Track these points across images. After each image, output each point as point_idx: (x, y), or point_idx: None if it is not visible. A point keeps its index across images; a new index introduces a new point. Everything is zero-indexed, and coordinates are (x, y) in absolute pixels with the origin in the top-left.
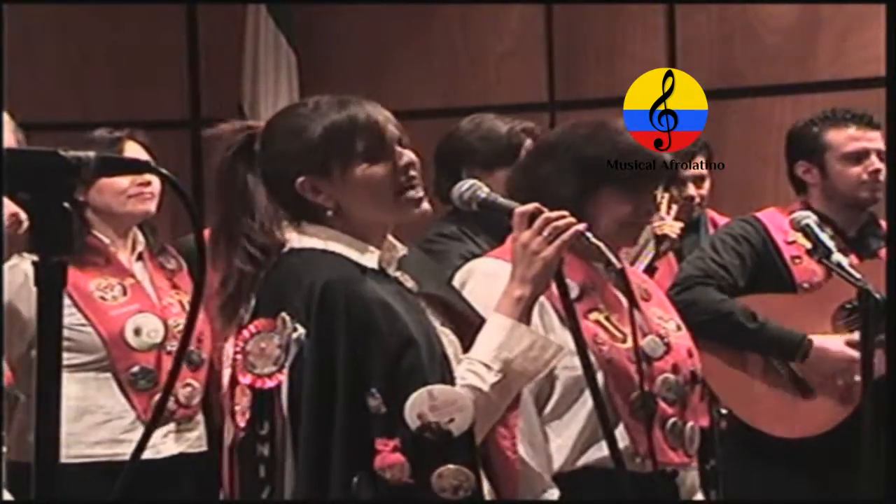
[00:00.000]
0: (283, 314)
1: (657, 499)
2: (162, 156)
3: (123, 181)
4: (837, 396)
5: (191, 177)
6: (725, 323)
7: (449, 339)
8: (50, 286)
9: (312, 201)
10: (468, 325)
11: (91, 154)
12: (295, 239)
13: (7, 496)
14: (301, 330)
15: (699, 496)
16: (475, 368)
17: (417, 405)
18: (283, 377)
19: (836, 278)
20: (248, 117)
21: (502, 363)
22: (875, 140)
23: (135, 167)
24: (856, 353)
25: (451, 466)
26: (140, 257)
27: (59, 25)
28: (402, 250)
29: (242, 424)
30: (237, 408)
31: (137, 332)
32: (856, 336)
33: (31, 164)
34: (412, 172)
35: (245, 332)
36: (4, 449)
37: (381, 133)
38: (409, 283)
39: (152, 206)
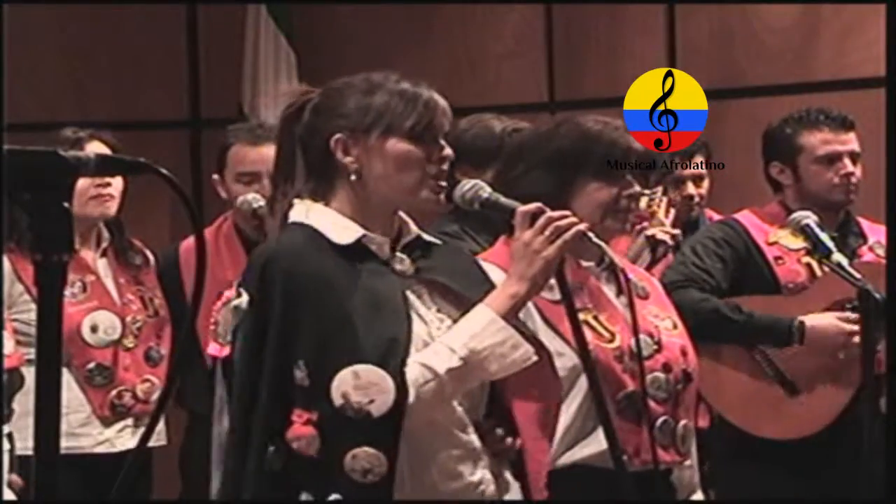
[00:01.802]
0: (239, 284)
1: (651, 497)
2: (162, 156)
3: (83, 182)
4: (825, 397)
5: (191, 177)
6: (712, 320)
7: (446, 325)
8: (50, 286)
9: (340, 161)
10: None
11: (91, 154)
12: (294, 213)
13: (8, 495)
14: (244, 299)
15: (699, 495)
16: (437, 349)
17: (342, 384)
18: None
19: (821, 279)
20: (249, 117)
21: (468, 351)
22: (848, 142)
23: (134, 167)
24: (848, 326)
25: (366, 449)
26: (104, 254)
27: (59, 25)
28: (412, 234)
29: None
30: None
31: (94, 329)
32: (845, 315)
33: (31, 164)
34: (444, 167)
35: (218, 303)
36: (6, 446)
37: (432, 119)
38: (402, 266)
39: (111, 209)
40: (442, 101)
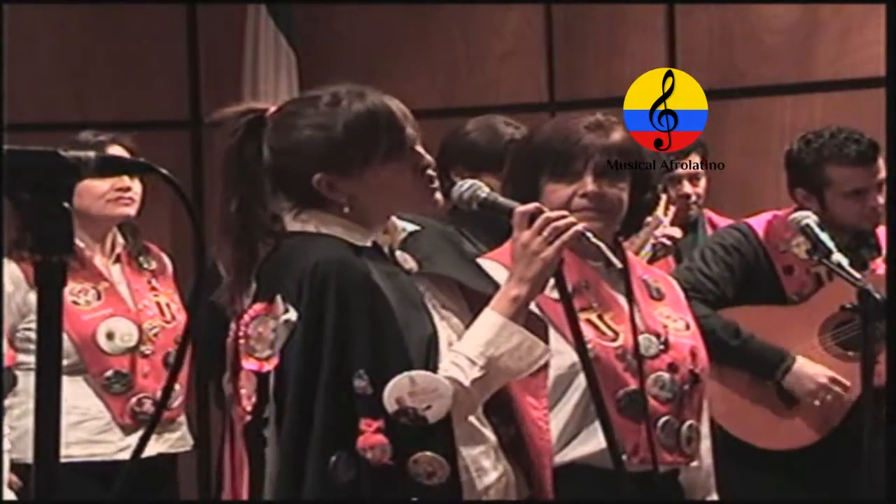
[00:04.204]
0: (277, 297)
1: (653, 496)
2: (162, 156)
3: (103, 185)
4: (823, 408)
5: (191, 177)
6: (709, 342)
7: (451, 323)
8: (50, 286)
9: (327, 197)
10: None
11: (91, 154)
12: (291, 223)
13: (9, 495)
14: (292, 312)
15: (714, 496)
16: (459, 361)
17: (397, 390)
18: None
19: (824, 290)
20: None
21: (487, 359)
22: (878, 173)
23: (134, 168)
24: (830, 374)
25: (426, 453)
26: (118, 259)
27: (59, 26)
28: (402, 232)
29: (249, 408)
30: (242, 391)
31: (110, 336)
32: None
33: (31, 164)
34: (430, 172)
35: (245, 317)
36: (6, 446)
37: (402, 130)
38: (409, 265)
39: (132, 210)
40: (397, 106)
